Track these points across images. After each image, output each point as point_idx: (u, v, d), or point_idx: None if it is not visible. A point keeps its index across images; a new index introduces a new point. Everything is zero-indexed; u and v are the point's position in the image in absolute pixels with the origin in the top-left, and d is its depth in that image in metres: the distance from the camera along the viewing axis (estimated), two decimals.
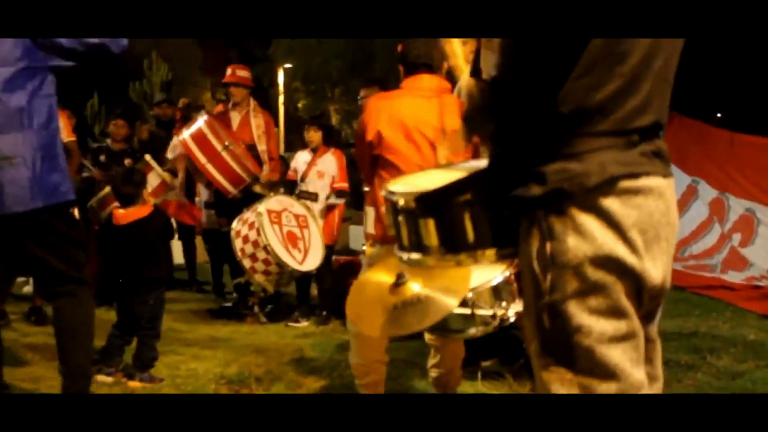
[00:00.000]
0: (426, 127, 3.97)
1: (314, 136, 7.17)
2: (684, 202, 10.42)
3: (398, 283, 2.96)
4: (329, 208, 7.13)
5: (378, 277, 3.06)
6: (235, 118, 7.90)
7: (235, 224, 6.61)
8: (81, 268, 4.01)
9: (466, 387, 4.72)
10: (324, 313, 7.10)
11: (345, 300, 7.17)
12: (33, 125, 3.74)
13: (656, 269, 1.91)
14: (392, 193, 2.20)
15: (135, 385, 4.95)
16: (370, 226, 4.39)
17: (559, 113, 1.85)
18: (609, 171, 1.84)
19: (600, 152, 1.85)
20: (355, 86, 28.11)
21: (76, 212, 4.04)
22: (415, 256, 2.13)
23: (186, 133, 7.22)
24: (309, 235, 6.80)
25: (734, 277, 9.21)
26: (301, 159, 7.28)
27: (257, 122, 7.85)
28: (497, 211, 1.98)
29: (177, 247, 9.66)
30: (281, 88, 32.81)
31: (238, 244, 6.49)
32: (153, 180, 6.99)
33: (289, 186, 7.26)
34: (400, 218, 2.16)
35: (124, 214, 5.12)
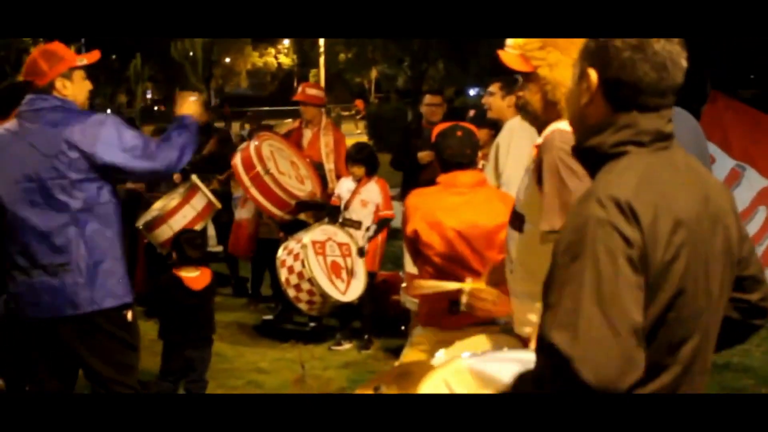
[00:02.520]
0: (460, 224, 4.10)
1: (358, 171, 7.24)
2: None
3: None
4: (370, 238, 7.22)
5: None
6: (307, 135, 8.08)
7: (281, 253, 6.76)
8: (130, 373, 4.09)
9: None
10: (366, 336, 7.25)
11: (386, 321, 7.35)
12: (86, 231, 3.85)
13: None
14: None
15: None
16: (409, 266, 4.50)
17: None
18: None
19: None
20: (393, 50, 28.11)
21: (129, 315, 4.11)
22: None
23: (237, 157, 7.36)
24: (352, 264, 6.93)
25: None
26: (344, 186, 7.36)
27: (326, 140, 7.98)
28: None
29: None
30: (322, 48, 32.79)
31: (283, 274, 6.67)
32: (198, 203, 7.12)
33: (333, 211, 7.36)
34: None
35: (194, 279, 5.43)
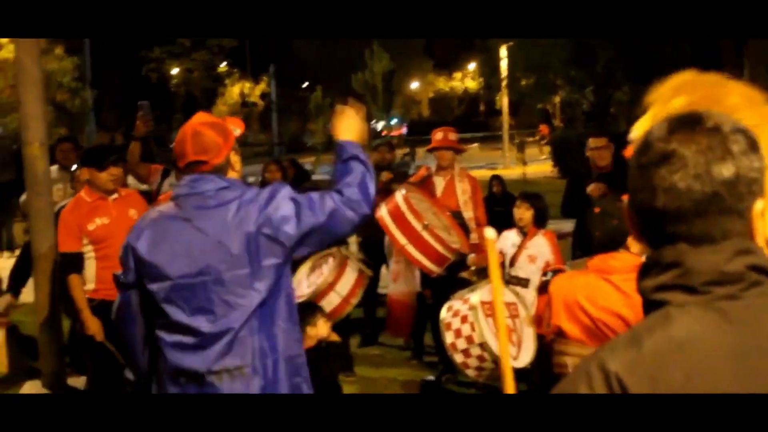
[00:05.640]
0: (611, 318, 3.46)
1: (525, 214, 6.53)
2: None
3: None
4: (542, 290, 6.50)
5: None
6: (440, 183, 7.51)
7: (444, 315, 6.13)
8: None
9: None
10: None
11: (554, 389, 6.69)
12: (265, 327, 3.26)
13: None
14: None
15: None
16: None
17: None
18: None
19: None
20: (576, 75, 27.16)
21: None
22: None
23: (383, 210, 6.82)
24: (521, 325, 6.24)
25: None
26: (508, 241, 6.68)
27: (463, 187, 7.42)
28: None
29: None
30: (504, 74, 32.27)
31: (448, 337, 6.03)
32: (349, 277, 6.62)
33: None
34: None
35: None
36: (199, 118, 3.44)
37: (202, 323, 3.21)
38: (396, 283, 7.68)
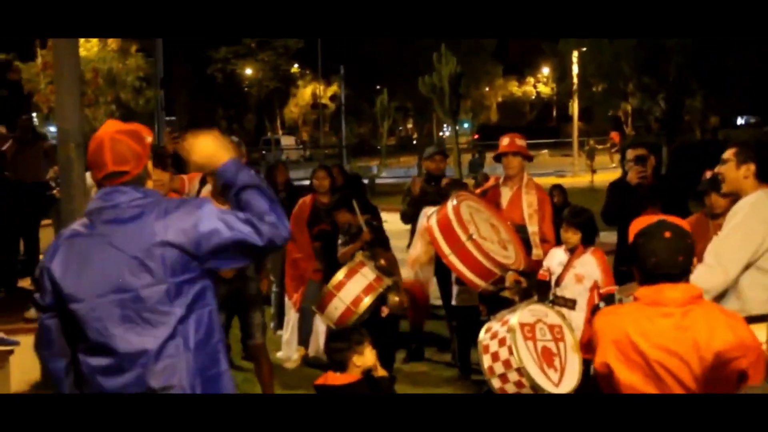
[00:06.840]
0: (668, 358, 3.07)
1: (572, 237, 6.16)
2: None
3: None
4: (593, 313, 6.10)
5: None
6: (506, 193, 7.12)
7: (483, 336, 5.77)
8: None
9: None
10: None
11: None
12: (189, 346, 3.12)
13: None
14: None
15: None
16: None
17: None
18: None
19: None
20: (648, 82, 26.41)
21: None
22: None
23: (433, 219, 6.53)
24: (564, 349, 5.83)
25: None
26: (555, 259, 6.30)
27: (529, 199, 6.98)
28: None
29: None
30: (575, 78, 31.74)
31: (486, 361, 5.66)
32: (356, 284, 6.44)
33: (541, 288, 6.32)
34: None
35: (336, 378, 4.71)
36: (113, 125, 3.29)
37: (122, 343, 3.09)
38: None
